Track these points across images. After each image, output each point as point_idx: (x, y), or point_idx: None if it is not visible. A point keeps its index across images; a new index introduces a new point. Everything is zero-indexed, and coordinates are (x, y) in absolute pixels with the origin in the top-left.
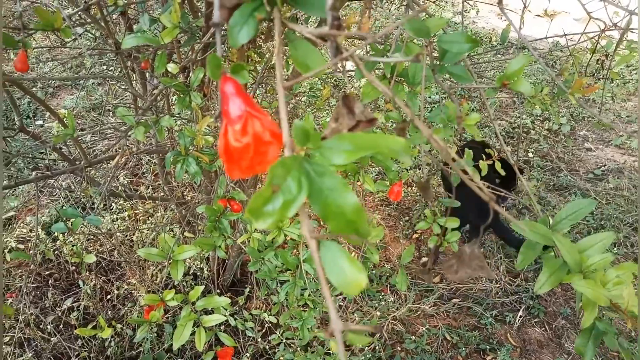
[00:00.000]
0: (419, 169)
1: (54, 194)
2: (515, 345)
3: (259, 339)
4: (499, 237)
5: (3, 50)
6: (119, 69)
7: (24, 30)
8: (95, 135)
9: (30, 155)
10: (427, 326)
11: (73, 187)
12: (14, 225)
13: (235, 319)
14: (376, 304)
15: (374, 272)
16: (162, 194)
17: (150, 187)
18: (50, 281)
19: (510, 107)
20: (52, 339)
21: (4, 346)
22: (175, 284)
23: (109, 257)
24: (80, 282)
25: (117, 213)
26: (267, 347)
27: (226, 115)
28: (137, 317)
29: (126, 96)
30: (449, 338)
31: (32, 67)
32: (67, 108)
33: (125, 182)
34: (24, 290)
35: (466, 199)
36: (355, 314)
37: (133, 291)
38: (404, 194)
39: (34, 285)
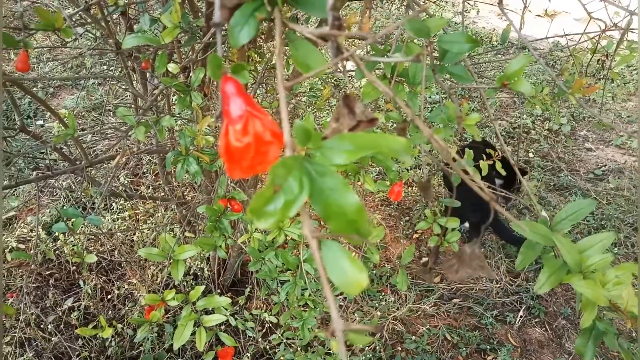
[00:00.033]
0: (420, 169)
1: (55, 193)
2: (516, 346)
3: (260, 339)
4: (498, 236)
5: (3, 50)
6: (120, 69)
7: (24, 30)
8: (95, 135)
9: (31, 155)
10: (428, 326)
11: (74, 187)
12: (15, 225)
13: (235, 319)
14: (377, 304)
15: (374, 272)
16: (162, 193)
17: (150, 187)
18: (50, 281)
19: (510, 107)
20: (52, 339)
21: (4, 346)
22: (176, 283)
23: (109, 257)
24: (81, 282)
25: (118, 213)
26: (268, 347)
27: (227, 115)
28: (138, 317)
29: (127, 96)
30: (449, 338)
31: (32, 67)
32: (68, 108)
33: (126, 182)
34: (25, 290)
35: (465, 198)
36: (355, 314)
37: (134, 291)
38: (405, 194)
39: (34, 285)
